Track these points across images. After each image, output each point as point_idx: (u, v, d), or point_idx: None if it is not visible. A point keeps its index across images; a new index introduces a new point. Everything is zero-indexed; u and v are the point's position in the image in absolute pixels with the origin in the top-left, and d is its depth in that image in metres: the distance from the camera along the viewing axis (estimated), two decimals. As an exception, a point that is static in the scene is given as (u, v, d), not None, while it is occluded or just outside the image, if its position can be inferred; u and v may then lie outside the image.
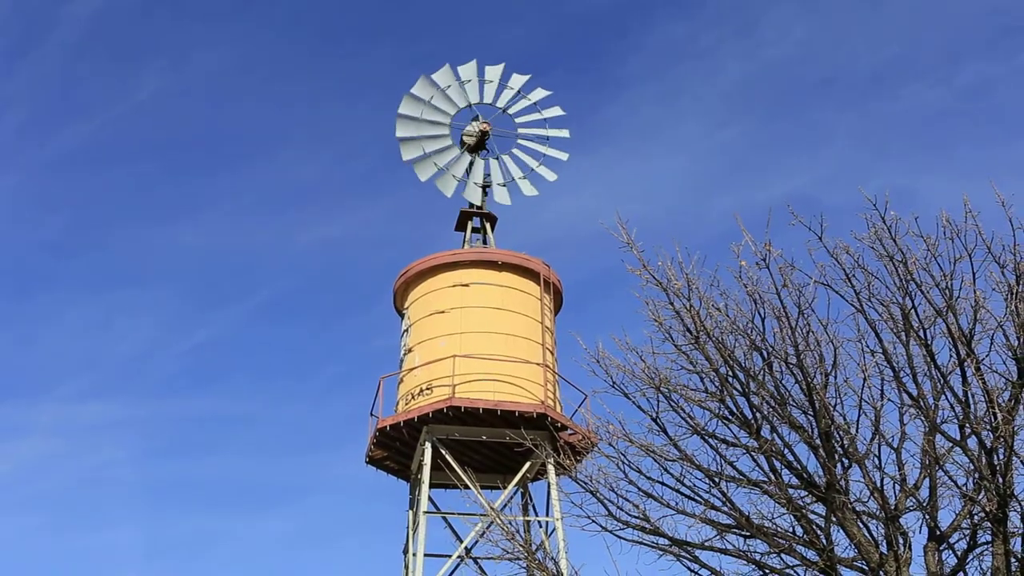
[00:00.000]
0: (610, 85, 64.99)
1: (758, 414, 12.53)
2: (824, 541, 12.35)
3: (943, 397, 11.78)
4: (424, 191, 26.92)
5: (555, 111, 27.47)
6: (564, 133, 27.28)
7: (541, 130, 27.25)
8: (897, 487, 12.21)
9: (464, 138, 26.59)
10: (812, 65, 66.33)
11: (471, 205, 26.36)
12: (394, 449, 23.82)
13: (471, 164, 26.40)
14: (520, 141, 27.04)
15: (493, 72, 27.29)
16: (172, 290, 64.70)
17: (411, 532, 23.67)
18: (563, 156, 26.98)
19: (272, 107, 66.05)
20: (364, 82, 65.65)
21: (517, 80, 27.41)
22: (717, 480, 12.85)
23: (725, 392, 12.65)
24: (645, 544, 13.23)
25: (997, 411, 11.14)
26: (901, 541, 12.03)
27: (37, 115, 64.31)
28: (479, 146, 26.68)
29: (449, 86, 26.73)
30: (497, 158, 26.69)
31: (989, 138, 62.22)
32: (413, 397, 23.14)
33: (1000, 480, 11.23)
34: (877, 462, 12.22)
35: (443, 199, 26.60)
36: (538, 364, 23.36)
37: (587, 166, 60.57)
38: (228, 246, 65.58)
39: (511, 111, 27.20)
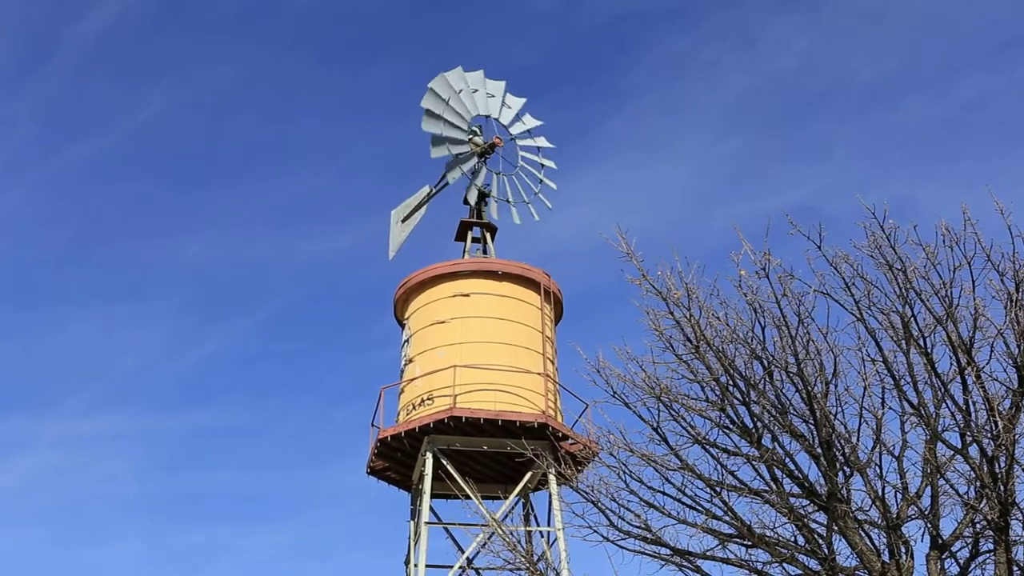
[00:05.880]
0: (613, 98, 65.13)
1: (759, 423, 12.52)
2: (826, 550, 12.34)
3: (944, 405, 11.78)
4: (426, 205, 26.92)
5: (542, 140, 27.61)
6: (552, 163, 27.50)
7: (535, 156, 27.44)
8: (899, 496, 12.21)
9: (471, 146, 26.62)
10: (813, 78, 66.45)
11: (471, 213, 26.38)
12: (395, 460, 23.79)
13: (475, 169, 26.43)
14: (522, 163, 27.16)
15: (495, 87, 27.29)
16: (175, 303, 64.81)
17: (412, 543, 23.63)
18: (553, 185, 27.22)
19: (275, 122, 66.22)
20: (368, 97, 65.82)
21: (514, 101, 27.44)
22: (718, 489, 12.83)
23: (726, 401, 12.64)
24: (647, 554, 13.22)
25: (998, 419, 11.15)
26: (903, 550, 12.01)
27: (44, 131, 64.51)
28: (483, 156, 26.69)
29: (476, 90, 26.82)
30: (498, 174, 26.77)
31: (988, 149, 62.32)
32: (414, 407, 23.12)
33: (1002, 488, 11.22)
34: (878, 471, 12.23)
35: (444, 213, 26.72)
36: (539, 374, 23.34)
37: (589, 178, 60.66)
38: (231, 259, 65.71)
39: (512, 130, 27.24)
